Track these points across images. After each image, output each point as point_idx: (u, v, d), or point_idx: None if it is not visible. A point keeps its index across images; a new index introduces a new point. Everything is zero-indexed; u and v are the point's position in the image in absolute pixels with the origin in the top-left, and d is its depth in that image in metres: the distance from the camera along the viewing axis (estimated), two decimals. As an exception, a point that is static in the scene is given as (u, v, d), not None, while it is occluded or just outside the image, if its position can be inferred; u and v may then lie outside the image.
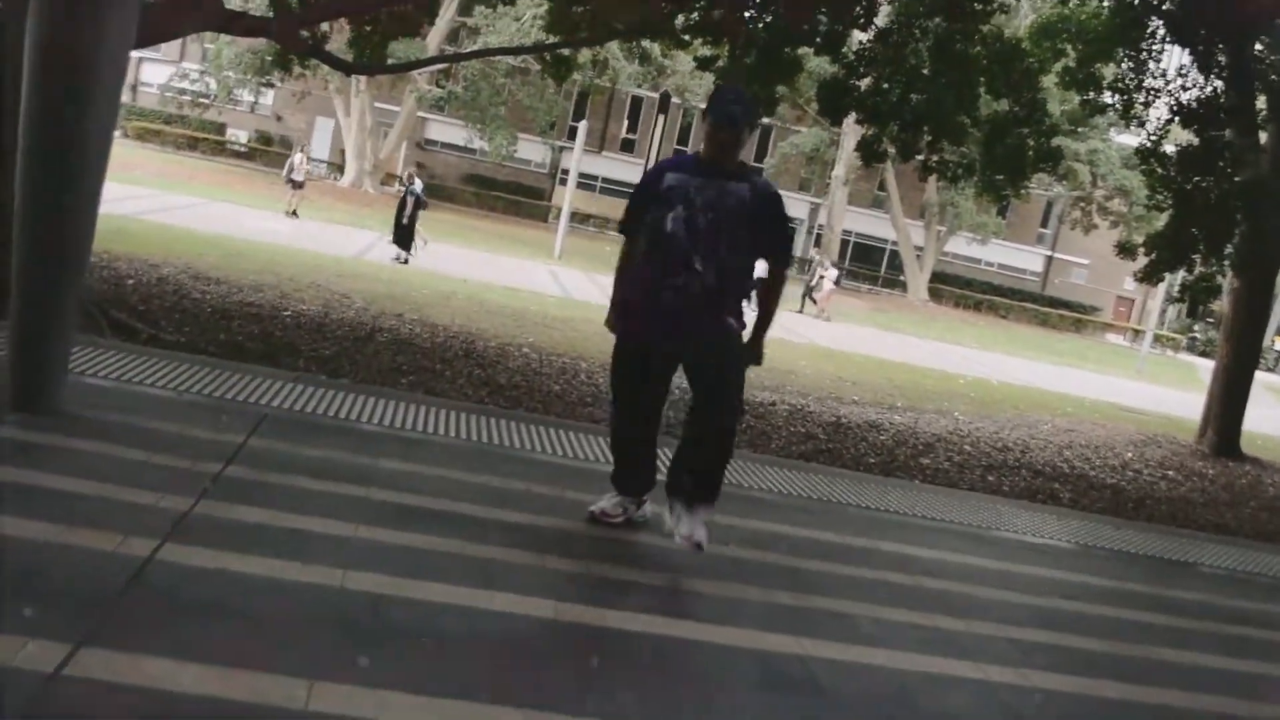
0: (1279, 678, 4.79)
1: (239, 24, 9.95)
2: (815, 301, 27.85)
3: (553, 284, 21.85)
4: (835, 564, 4.97)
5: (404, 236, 20.48)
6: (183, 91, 41.76)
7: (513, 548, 4.19)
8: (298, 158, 27.10)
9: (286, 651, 3.00)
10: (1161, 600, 5.88)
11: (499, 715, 2.90)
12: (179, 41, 37.62)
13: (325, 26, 17.45)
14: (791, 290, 29.34)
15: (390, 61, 12.83)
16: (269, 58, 29.02)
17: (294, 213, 25.89)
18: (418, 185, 21.38)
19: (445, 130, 48.76)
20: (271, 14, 10.41)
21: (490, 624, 3.46)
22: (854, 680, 3.66)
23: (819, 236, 47.23)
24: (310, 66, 15.11)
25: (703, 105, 45.21)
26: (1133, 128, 15.25)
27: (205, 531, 3.68)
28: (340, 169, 43.64)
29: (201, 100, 41.17)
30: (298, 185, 26.68)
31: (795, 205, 53.76)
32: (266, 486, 4.31)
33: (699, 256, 4.34)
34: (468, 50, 30.96)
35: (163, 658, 2.78)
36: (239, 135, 48.51)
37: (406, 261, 19.68)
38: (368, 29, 11.31)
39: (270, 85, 40.77)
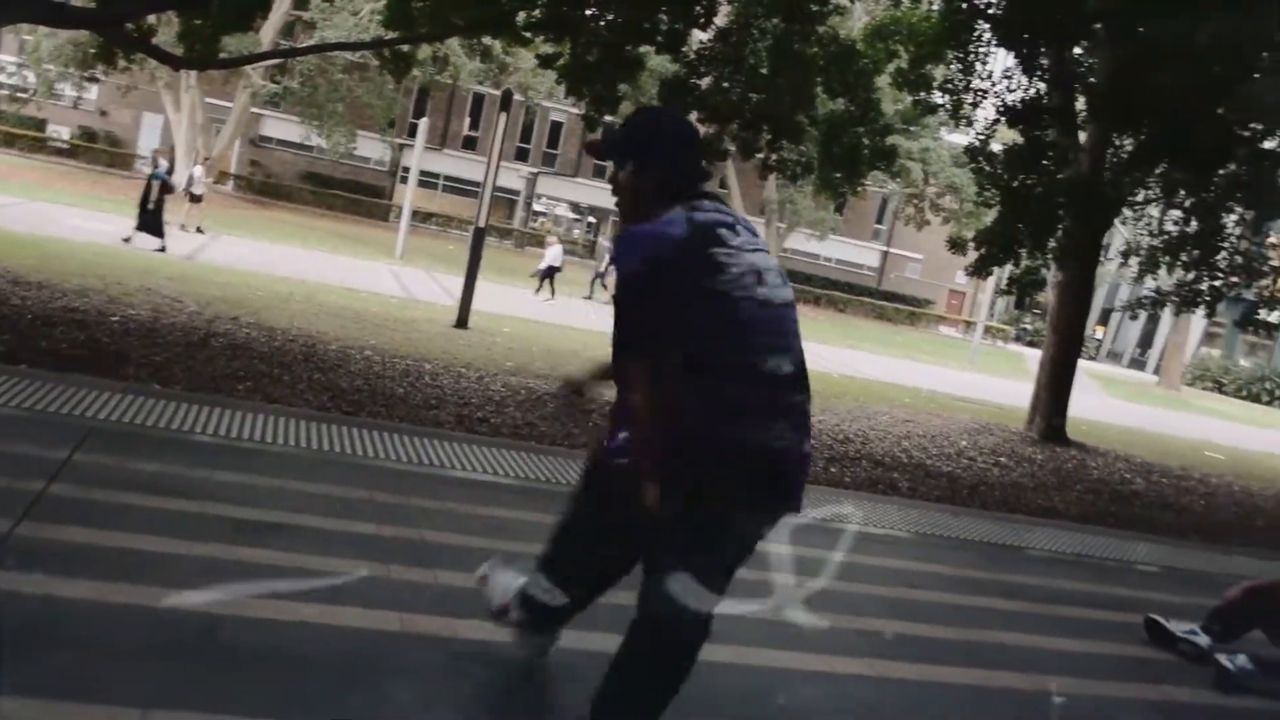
0: (1106, 654, 4.99)
1: (60, 17, 9.49)
2: (606, 288, 27.70)
3: (395, 284, 21.48)
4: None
5: (150, 223, 19.35)
6: (-1, 85, 39.80)
7: (357, 559, 4.08)
8: (198, 170, 25.96)
9: (117, 680, 2.85)
10: (997, 584, 6.09)
11: (344, 735, 2.81)
12: (-8, 33, 35.75)
13: (153, 19, 16.81)
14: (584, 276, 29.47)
15: (222, 56, 12.37)
16: (92, 50, 27.84)
17: (199, 229, 24.67)
18: (162, 167, 20.52)
19: (281, 127, 47.51)
20: (95, 6, 9.96)
21: (335, 640, 3.35)
22: (705, 679, 3.67)
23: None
24: (136, 60, 14.46)
25: (546, 103, 45.17)
26: (962, 127, 15.80)
27: (27, 555, 3.48)
28: (170, 167, 42.12)
29: (19, 95, 39.21)
30: (196, 199, 25.50)
31: (639, 203, 54.05)
32: (93, 504, 4.10)
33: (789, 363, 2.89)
34: (303, 45, 30.24)
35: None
36: (60, 131, 46.30)
37: (164, 249, 18.73)
38: (197, 22, 10.88)
39: (94, 79, 39.10)
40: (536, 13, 11.23)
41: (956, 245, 15.17)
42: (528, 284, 25.81)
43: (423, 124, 33.46)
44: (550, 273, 25.37)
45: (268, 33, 35.65)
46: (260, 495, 4.67)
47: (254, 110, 43.88)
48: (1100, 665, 4.81)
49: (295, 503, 4.68)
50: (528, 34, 11.58)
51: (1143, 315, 17.23)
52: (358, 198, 47.62)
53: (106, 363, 7.83)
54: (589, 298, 27.30)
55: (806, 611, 4.65)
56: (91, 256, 15.25)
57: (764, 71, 12.10)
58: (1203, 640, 4.99)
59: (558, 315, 20.29)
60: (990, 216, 14.98)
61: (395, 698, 3.09)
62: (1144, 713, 4.34)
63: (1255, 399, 46.72)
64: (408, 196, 31.78)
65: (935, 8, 14.74)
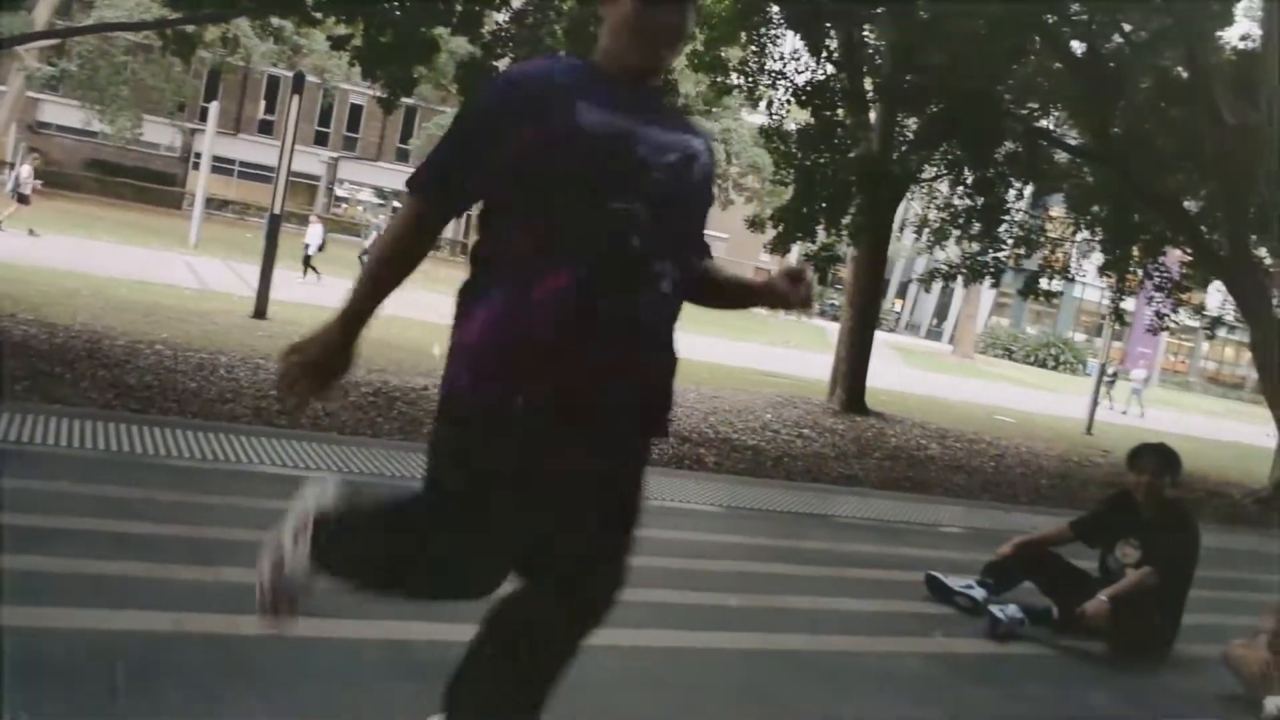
0: (892, 612, 5.23)
1: None
2: (317, 271, 26.88)
3: (189, 275, 20.66)
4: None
5: None
6: None
7: (130, 560, 3.93)
8: (25, 169, 24.11)
9: None
10: (794, 551, 6.29)
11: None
12: None
13: (-92, -3, 15.70)
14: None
15: (-13, 37, 11.69)
16: None
17: (31, 231, 22.89)
18: None
19: (61, 112, 44.99)
20: None
21: (107, 646, 3.22)
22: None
23: (468, 219, 47.05)
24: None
25: (344, 85, 44.00)
26: (760, 108, 16.16)
27: None
28: (-62, 155, 39.48)
29: None
30: (24, 199, 23.70)
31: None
32: None
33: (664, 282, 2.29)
34: (80, 25, 28.71)
35: None
36: None
37: None
38: (-43, 0, 10.26)
39: None
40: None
41: (756, 224, 15.51)
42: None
43: (214, 108, 32.22)
44: (309, 256, 24.62)
45: (43, 12, 33.69)
46: (30, 499, 4.44)
47: (30, 94, 41.43)
48: (883, 623, 5.03)
49: (68, 505, 4.47)
50: (318, 14, 11.27)
51: (937, 288, 17.99)
52: (148, 185, 45.49)
53: None
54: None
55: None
56: None
57: (562, 54, 12.10)
58: (978, 593, 5.27)
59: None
60: (789, 195, 15.36)
61: (171, 700, 2.99)
62: (922, 665, 4.55)
63: (1042, 364, 49.43)
64: (200, 183, 30.59)
65: (728, -10, 15.00)
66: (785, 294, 2.41)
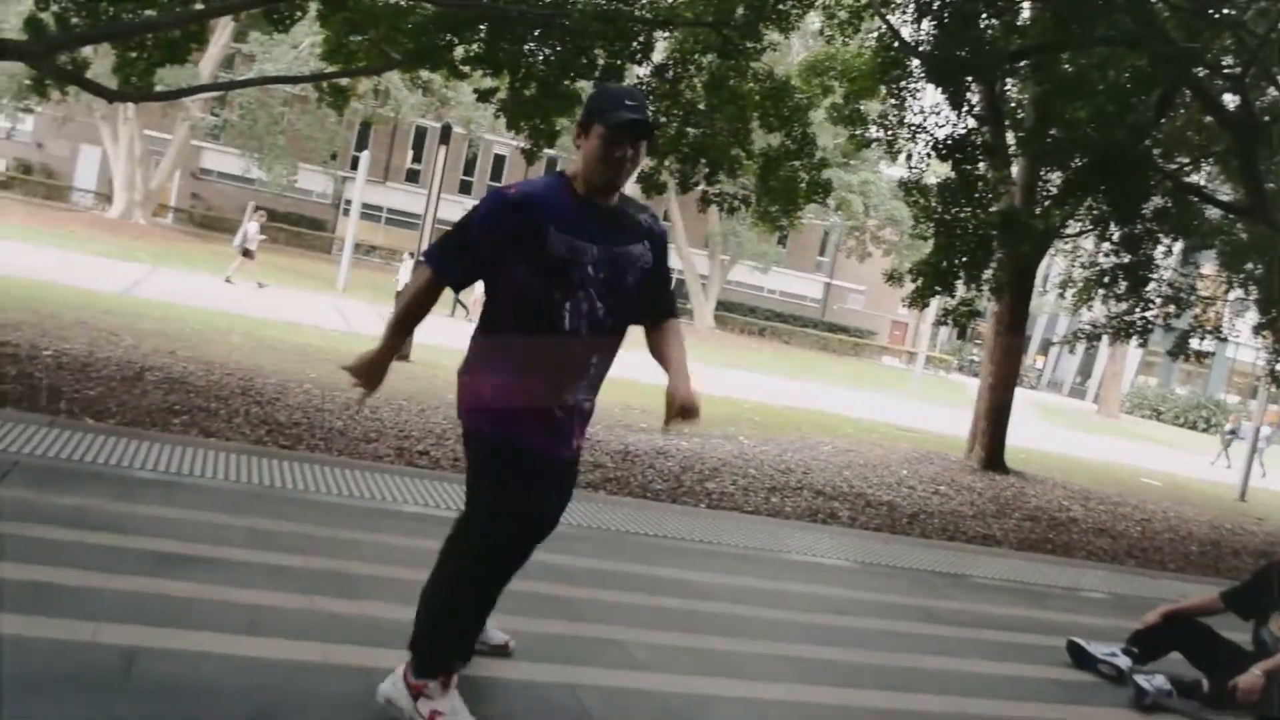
0: (1030, 678, 5.08)
1: (-12, 49, 9.41)
2: (468, 309, 27.22)
3: (337, 318, 21.37)
4: (609, 591, 5.01)
5: None
6: (-71, 118, 39.14)
7: (278, 591, 4.07)
8: (253, 226, 25.83)
9: (31, 714, 2.82)
10: (929, 611, 6.16)
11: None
12: (-74, 65, 35.21)
13: (88, 51, 16.66)
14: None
15: (158, 89, 12.28)
16: (26, 82, 27.51)
17: (260, 283, 24.70)
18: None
19: (222, 159, 47.17)
20: (26, 38, 9.87)
21: (253, 671, 3.34)
22: (625, 706, 3.70)
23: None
24: (72, 92, 14.38)
25: (489, 135, 45.18)
26: (899, 160, 16.05)
27: (-59, 590, 3.44)
28: (108, 199, 41.60)
29: (-48, 128, 38.68)
30: (249, 254, 25.41)
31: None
32: (11, 539, 4.05)
33: (595, 362, 3.34)
34: (242, 78, 30.06)
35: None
36: (-5, 164, 45.71)
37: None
38: (133, 55, 10.81)
39: (29, 111, 38.59)
40: (474, 47, 11.28)
41: (894, 277, 15.36)
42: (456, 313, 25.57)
43: (365, 157, 33.41)
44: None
45: (206, 65, 35.47)
46: (185, 529, 4.64)
47: (194, 143, 43.53)
48: (1020, 688, 4.89)
49: (221, 536, 4.65)
50: (465, 68, 11.62)
51: (1081, 345, 17.55)
52: (300, 230, 47.28)
53: (38, 397, 7.74)
54: (450, 315, 26.85)
55: (731, 639, 4.70)
56: (25, 291, 15.05)
57: (701, 106, 12.24)
58: (1122, 662, 5.09)
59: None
60: (928, 249, 15.20)
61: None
62: (1063, 733, 4.42)
63: (1192, 426, 47.59)
64: (350, 229, 31.64)
65: (868, 45, 14.99)
66: (671, 405, 3.25)
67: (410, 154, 51.59)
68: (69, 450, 5.58)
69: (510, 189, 3.27)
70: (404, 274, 25.52)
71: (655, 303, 3.46)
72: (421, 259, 3.26)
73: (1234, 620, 5.16)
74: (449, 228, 3.32)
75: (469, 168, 51.48)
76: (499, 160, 52.35)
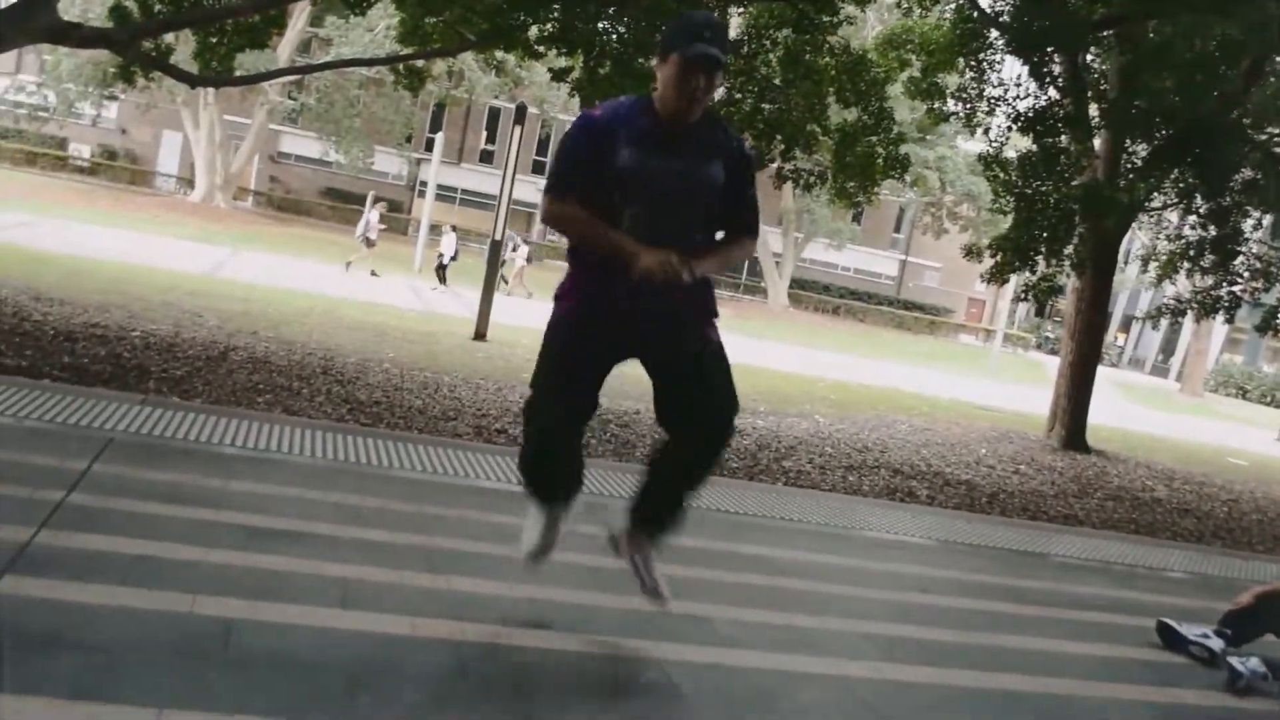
0: (1118, 658, 5.00)
1: (76, 35, 9.61)
2: (507, 280, 26.97)
3: (414, 298, 21.60)
4: (694, 568, 5.01)
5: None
6: (19, 105, 40.12)
7: (367, 565, 4.13)
8: (374, 215, 26.38)
9: (132, 681, 2.90)
10: (1012, 590, 6.09)
11: (355, 736, 2.85)
12: (14, 53, 36.06)
13: (170, 37, 16.95)
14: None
15: (238, 73, 12.49)
16: (111, 70, 28.12)
17: (373, 272, 25.28)
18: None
19: (299, 143, 47.86)
20: (111, 24, 10.07)
21: (345, 644, 3.40)
22: (713, 682, 3.71)
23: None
24: (155, 79, 14.66)
25: (562, 115, 45.46)
26: (978, 135, 15.81)
27: (46, 562, 3.54)
28: (190, 183, 42.42)
29: (40, 114, 39.60)
30: (370, 244, 26.02)
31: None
32: (111, 513, 4.16)
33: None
34: (319, 62, 30.43)
35: (2, 694, 2.67)
36: (81, 150, 46.77)
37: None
38: (213, 40, 11.00)
39: (113, 98, 39.46)
40: (548, 27, 11.30)
41: (972, 252, 15.15)
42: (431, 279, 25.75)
43: (439, 138, 33.65)
44: (444, 265, 25.31)
45: (284, 50, 35.96)
46: (275, 504, 4.73)
47: (272, 127, 44.22)
48: (1109, 669, 4.81)
49: (309, 510, 4.74)
50: (539, 48, 11.64)
51: (1165, 322, 17.13)
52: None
53: (127, 377, 7.93)
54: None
55: (816, 616, 4.69)
56: (112, 274, 15.41)
57: (776, 82, 12.15)
58: (1215, 643, 4.99)
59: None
60: (1006, 224, 14.96)
61: (405, 700, 3.13)
62: (1152, 715, 4.34)
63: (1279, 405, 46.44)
64: (426, 210, 31.97)
65: (946, 17, 14.76)
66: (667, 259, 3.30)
67: (484, 135, 51.93)
68: (160, 428, 5.70)
69: (595, 110, 3.54)
70: (446, 245, 25.84)
71: (732, 218, 3.62)
72: (544, 191, 3.50)
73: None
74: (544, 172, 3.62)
75: (542, 148, 51.63)
76: (572, 140, 52.38)
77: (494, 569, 4.40)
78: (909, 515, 7.91)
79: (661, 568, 3.79)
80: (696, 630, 4.15)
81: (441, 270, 25.51)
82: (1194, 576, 7.72)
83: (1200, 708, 4.50)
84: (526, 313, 20.33)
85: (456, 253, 26.08)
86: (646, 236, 3.35)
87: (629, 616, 4.11)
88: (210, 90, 32.53)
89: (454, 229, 27.45)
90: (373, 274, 25.01)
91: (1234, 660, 4.74)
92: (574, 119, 3.55)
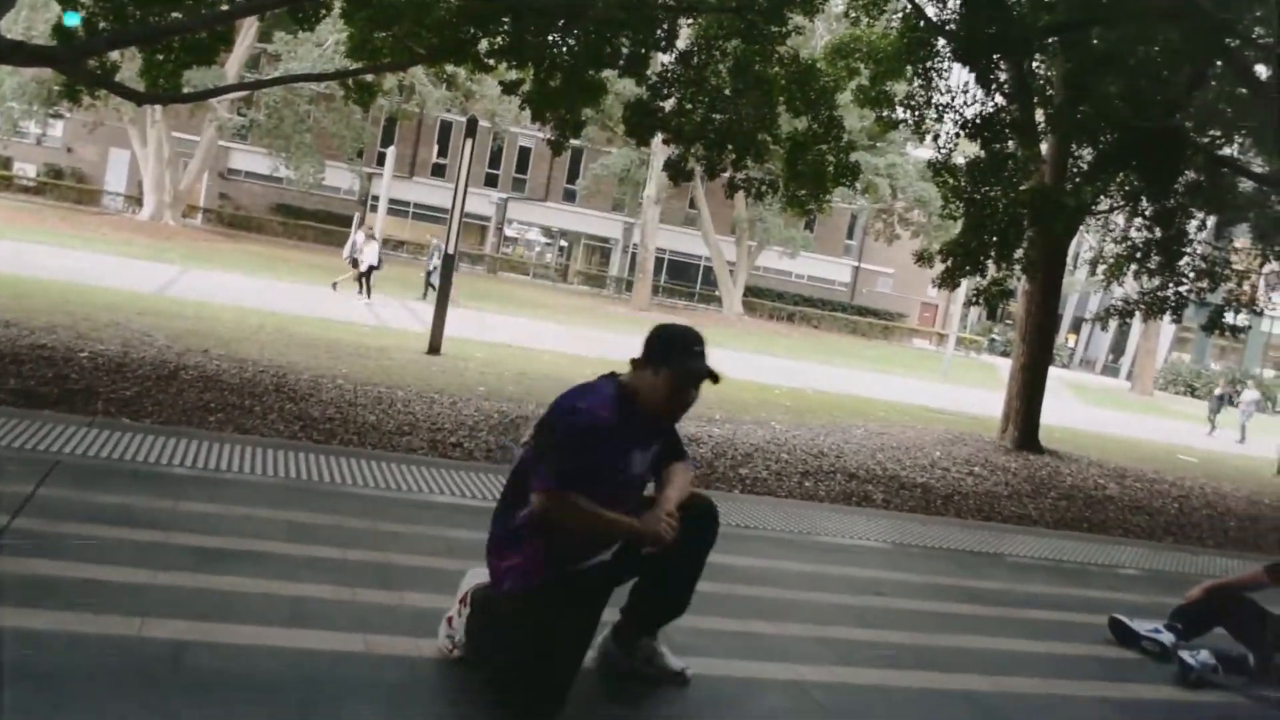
0: (1072, 655, 5.05)
1: (20, 55, 9.50)
2: (433, 287, 26.71)
3: (367, 313, 21.47)
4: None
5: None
6: (-40, 126, 39.52)
7: (321, 583, 4.10)
8: (360, 236, 25.88)
9: (81, 708, 2.86)
10: (967, 591, 6.14)
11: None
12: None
13: (116, 55, 16.77)
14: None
15: (186, 90, 12.38)
16: (56, 88, 27.75)
17: (367, 294, 24.81)
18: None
19: (249, 159, 47.46)
20: (55, 43, 9.95)
21: (298, 663, 3.37)
22: (677, 690, 3.71)
23: (633, 256, 47.65)
24: (101, 97, 14.51)
25: (514, 129, 45.32)
26: (927, 141, 15.93)
27: (-10, 588, 3.48)
28: (139, 202, 41.94)
29: (-19, 134, 39.05)
30: (356, 264, 25.36)
31: (609, 225, 54.31)
32: (56, 537, 4.10)
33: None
34: (268, 78, 30.21)
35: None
36: (26, 169, 46.13)
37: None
38: (160, 57, 10.89)
39: (58, 116, 38.94)
40: (499, 40, 11.29)
41: (923, 258, 15.27)
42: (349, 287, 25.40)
43: (391, 152, 33.55)
44: (369, 272, 25.03)
45: (232, 66, 35.67)
46: (226, 524, 4.69)
47: (221, 143, 43.82)
48: (1064, 666, 4.87)
49: (262, 530, 4.69)
50: (490, 61, 11.62)
51: (1114, 323, 17.35)
52: (329, 227, 47.44)
53: (75, 398, 7.82)
54: (424, 297, 26.79)
55: (772, 622, 4.70)
56: (59, 294, 15.20)
57: (726, 92, 12.20)
58: (1166, 638, 5.06)
59: (526, 338, 20.31)
60: (957, 229, 15.09)
61: (359, 717, 3.11)
62: (1106, 710, 4.39)
63: (1230, 402, 47.12)
64: (378, 225, 31.78)
65: (894, 26, 14.89)
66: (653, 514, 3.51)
67: (436, 148, 51.78)
68: (108, 449, 5.64)
69: (583, 409, 3.50)
70: (433, 260, 25.57)
71: (668, 458, 3.78)
72: (549, 488, 3.43)
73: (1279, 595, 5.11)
74: (540, 441, 3.54)
75: (494, 160, 51.59)
76: (524, 152, 52.46)
77: (449, 584, 4.38)
78: (865, 519, 7.96)
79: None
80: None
81: (364, 278, 25.09)
82: (1146, 573, 7.82)
83: (1153, 701, 4.56)
84: (481, 326, 20.28)
85: (380, 261, 25.71)
86: (606, 501, 3.47)
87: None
88: (158, 107, 32.20)
89: (372, 236, 26.87)
90: (333, 286, 24.84)
91: (1185, 654, 4.81)
92: (572, 412, 3.49)
